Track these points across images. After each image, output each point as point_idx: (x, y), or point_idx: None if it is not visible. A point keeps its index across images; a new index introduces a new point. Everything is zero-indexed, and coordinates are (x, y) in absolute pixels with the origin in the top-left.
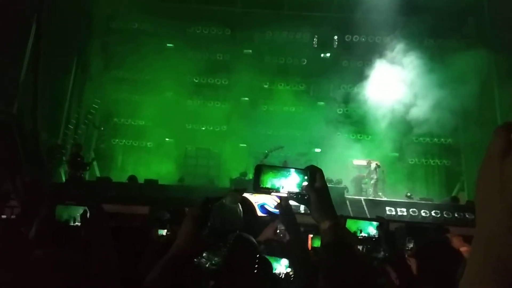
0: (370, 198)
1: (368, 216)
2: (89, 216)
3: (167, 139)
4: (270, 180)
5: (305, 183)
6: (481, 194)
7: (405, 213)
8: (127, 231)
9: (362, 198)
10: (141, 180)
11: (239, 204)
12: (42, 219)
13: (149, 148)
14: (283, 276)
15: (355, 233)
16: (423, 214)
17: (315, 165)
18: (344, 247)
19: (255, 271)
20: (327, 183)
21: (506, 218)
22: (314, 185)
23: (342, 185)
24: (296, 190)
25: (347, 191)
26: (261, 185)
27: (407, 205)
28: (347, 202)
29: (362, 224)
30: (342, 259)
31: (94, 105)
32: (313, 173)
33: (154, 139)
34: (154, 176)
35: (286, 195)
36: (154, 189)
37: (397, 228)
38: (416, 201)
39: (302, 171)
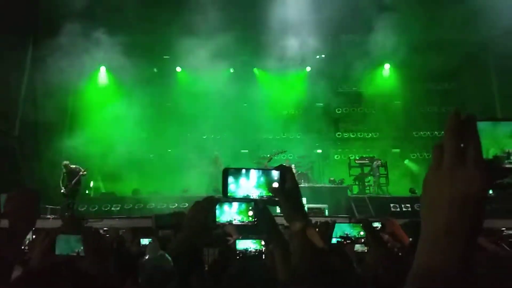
0: (374, 195)
1: (373, 213)
2: (87, 244)
3: (169, 150)
4: (239, 185)
5: (276, 184)
6: (429, 201)
7: (409, 209)
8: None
9: (366, 196)
10: (145, 193)
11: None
12: (42, 252)
13: (151, 160)
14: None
15: (341, 237)
16: None
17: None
18: (312, 249)
19: None
20: (330, 184)
21: (453, 228)
22: (283, 186)
23: (345, 185)
24: (266, 192)
25: (351, 190)
26: (229, 192)
27: (412, 201)
28: (351, 201)
29: (350, 227)
30: (310, 261)
31: None
32: (282, 173)
33: (155, 151)
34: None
35: (256, 198)
36: (158, 201)
37: (401, 225)
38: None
39: (272, 172)
